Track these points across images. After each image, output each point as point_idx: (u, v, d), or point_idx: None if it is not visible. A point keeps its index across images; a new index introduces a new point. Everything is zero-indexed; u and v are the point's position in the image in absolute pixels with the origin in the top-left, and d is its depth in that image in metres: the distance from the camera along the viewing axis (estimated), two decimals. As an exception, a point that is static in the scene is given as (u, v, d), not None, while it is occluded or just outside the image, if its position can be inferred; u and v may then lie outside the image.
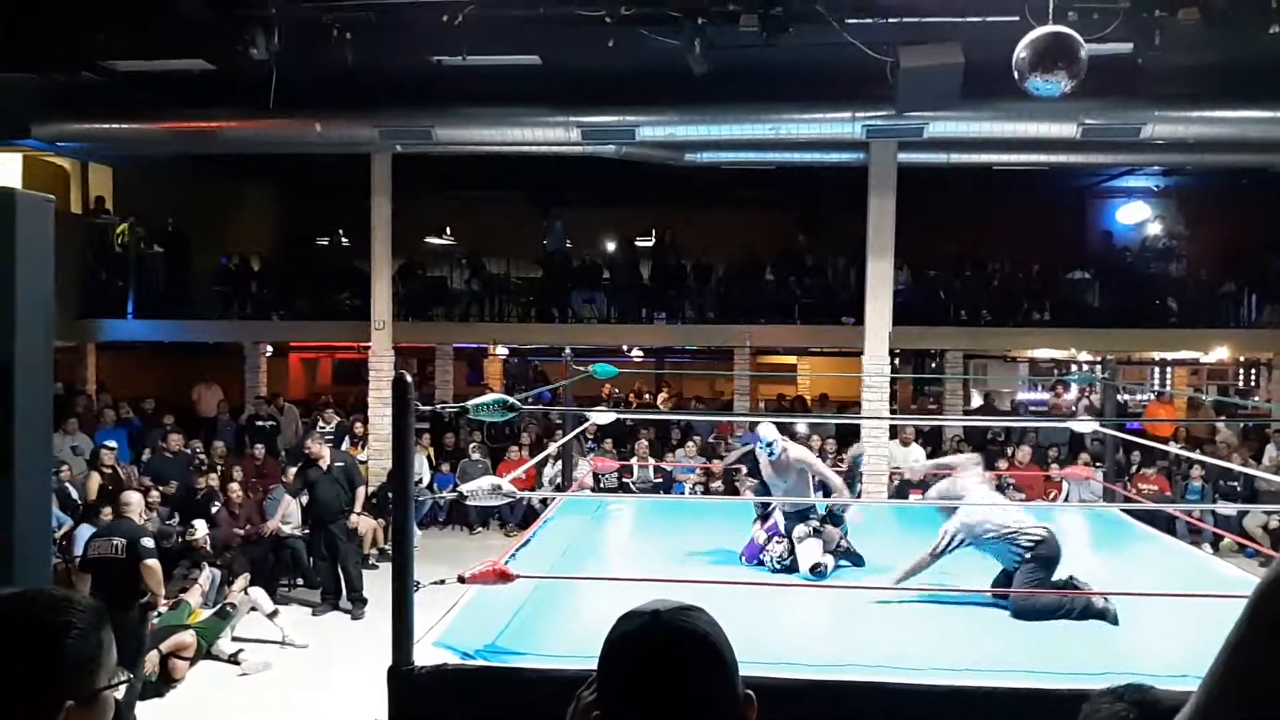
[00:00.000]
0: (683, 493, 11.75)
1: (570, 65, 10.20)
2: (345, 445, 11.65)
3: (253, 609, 7.72)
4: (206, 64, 10.30)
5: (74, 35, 9.76)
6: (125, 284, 14.18)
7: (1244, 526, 10.35)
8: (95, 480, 9.85)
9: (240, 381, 15.07)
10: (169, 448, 11.18)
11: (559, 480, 10.39)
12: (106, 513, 7.25)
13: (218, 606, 7.63)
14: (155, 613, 7.14)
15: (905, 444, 12.17)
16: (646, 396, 17.00)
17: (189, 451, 11.36)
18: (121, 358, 15.63)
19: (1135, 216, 16.75)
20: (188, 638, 7.03)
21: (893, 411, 12.16)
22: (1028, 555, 5.04)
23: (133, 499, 6.43)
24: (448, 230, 17.28)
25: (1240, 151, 11.33)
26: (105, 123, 11.32)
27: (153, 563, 5.97)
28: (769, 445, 6.07)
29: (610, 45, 8.86)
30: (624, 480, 11.78)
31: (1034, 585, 4.97)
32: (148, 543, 6.04)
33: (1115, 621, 4.82)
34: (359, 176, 12.57)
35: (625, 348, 16.60)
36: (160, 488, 9.87)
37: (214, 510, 9.37)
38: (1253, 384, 17.76)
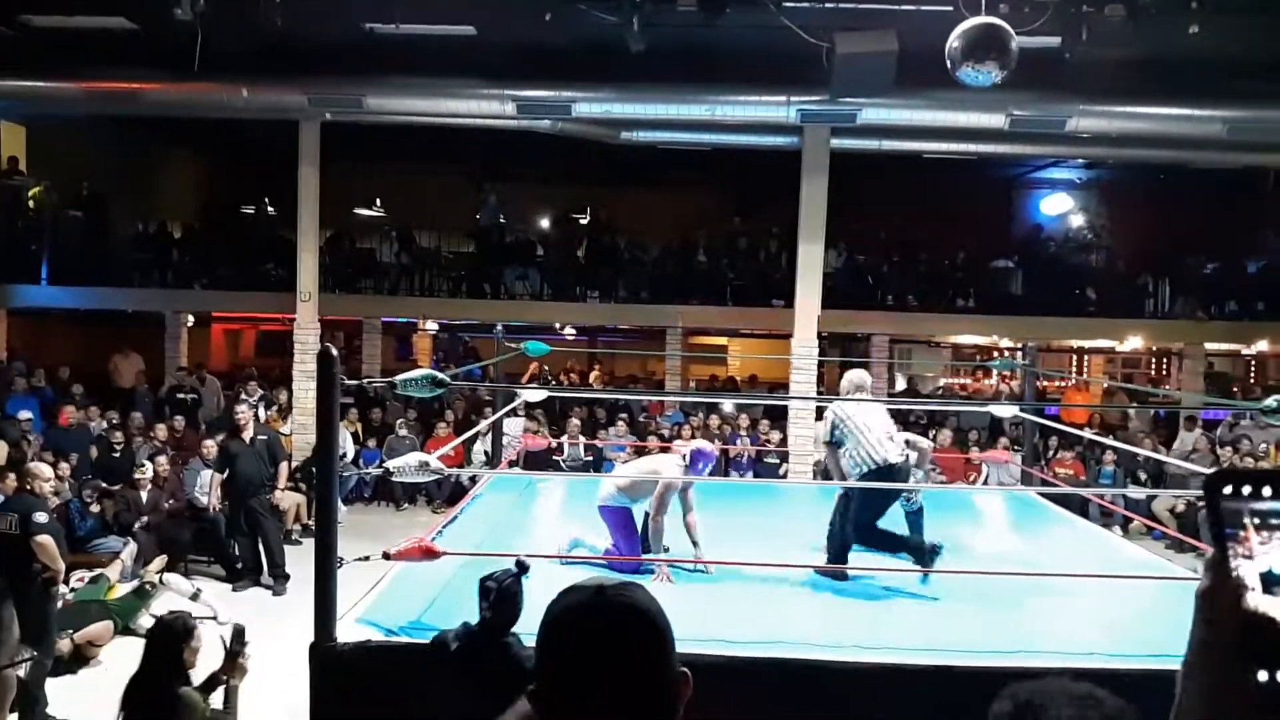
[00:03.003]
0: (612, 471, 11.76)
1: (506, 38, 10.08)
2: (264, 414, 11.38)
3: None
4: (128, 23, 9.95)
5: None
6: (39, 248, 13.68)
7: (1152, 510, 10.73)
8: (2, 449, 9.52)
9: (160, 352, 14.67)
10: (67, 419, 10.84)
11: (488, 457, 10.34)
12: (11, 483, 7.01)
13: (135, 584, 7.44)
14: (68, 589, 6.94)
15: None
16: (574, 377, 16.96)
17: (88, 424, 11.06)
18: (35, 325, 15.10)
19: (1058, 208, 17.18)
20: (102, 630, 6.85)
21: (820, 393, 12.31)
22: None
23: (40, 471, 6.22)
24: (378, 202, 16.99)
25: (1160, 147, 11.66)
26: (19, 80, 10.91)
27: (44, 539, 5.78)
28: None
29: (547, 19, 8.78)
30: (554, 458, 11.76)
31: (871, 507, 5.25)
32: (40, 518, 5.86)
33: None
34: (287, 144, 12.27)
35: (558, 326, 16.54)
36: (62, 461, 9.57)
37: (139, 477, 9.10)
38: (1164, 373, 18.38)
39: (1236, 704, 0.78)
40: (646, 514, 5.69)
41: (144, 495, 8.95)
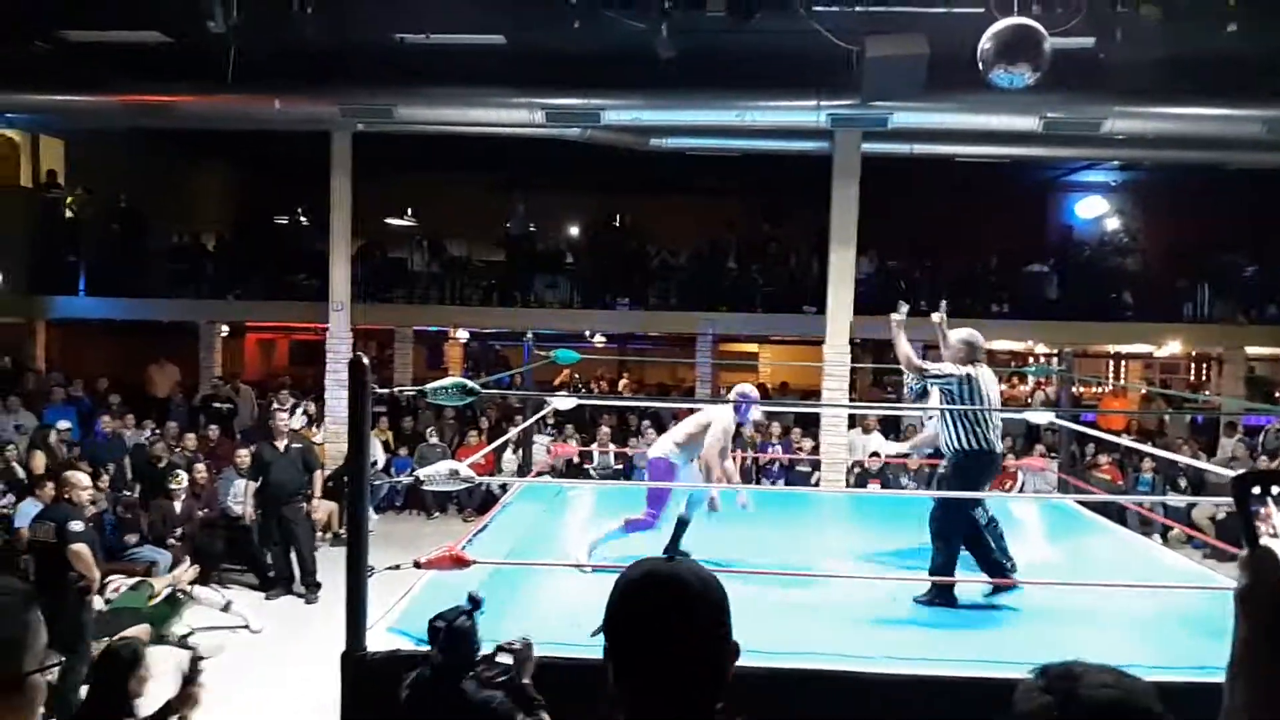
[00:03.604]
0: (643, 479, 11.73)
1: (535, 46, 10.10)
2: (298, 423, 11.46)
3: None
4: (163, 36, 10.07)
5: (24, 3, 9.50)
6: (77, 260, 13.90)
7: (1192, 518, 10.54)
8: (40, 459, 9.63)
9: (195, 362, 14.83)
10: (103, 429, 10.95)
11: (519, 465, 10.35)
12: (50, 491, 7.09)
13: (168, 593, 7.50)
14: (103, 599, 7.00)
15: (866, 432, 12.26)
16: (604, 385, 16.97)
17: (124, 433, 11.17)
18: (73, 335, 15.33)
19: (1093, 211, 16.96)
20: (139, 634, 6.90)
21: (852, 400, 12.22)
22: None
23: (78, 480, 6.29)
24: (409, 211, 17.10)
25: (1196, 148, 11.48)
26: (57, 94, 11.05)
27: (80, 547, 5.85)
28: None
29: (576, 26, 8.78)
30: (584, 465, 11.75)
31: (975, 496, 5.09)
32: (75, 526, 5.93)
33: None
34: (319, 155, 12.37)
35: (587, 333, 16.56)
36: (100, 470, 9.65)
37: (175, 487, 9.17)
38: (1204, 378, 18.09)
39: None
40: (681, 519, 5.67)
41: (178, 505, 9.02)
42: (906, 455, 10.28)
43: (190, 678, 3.76)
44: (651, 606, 1.33)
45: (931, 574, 5.01)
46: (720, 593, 1.36)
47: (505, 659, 3.13)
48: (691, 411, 6.06)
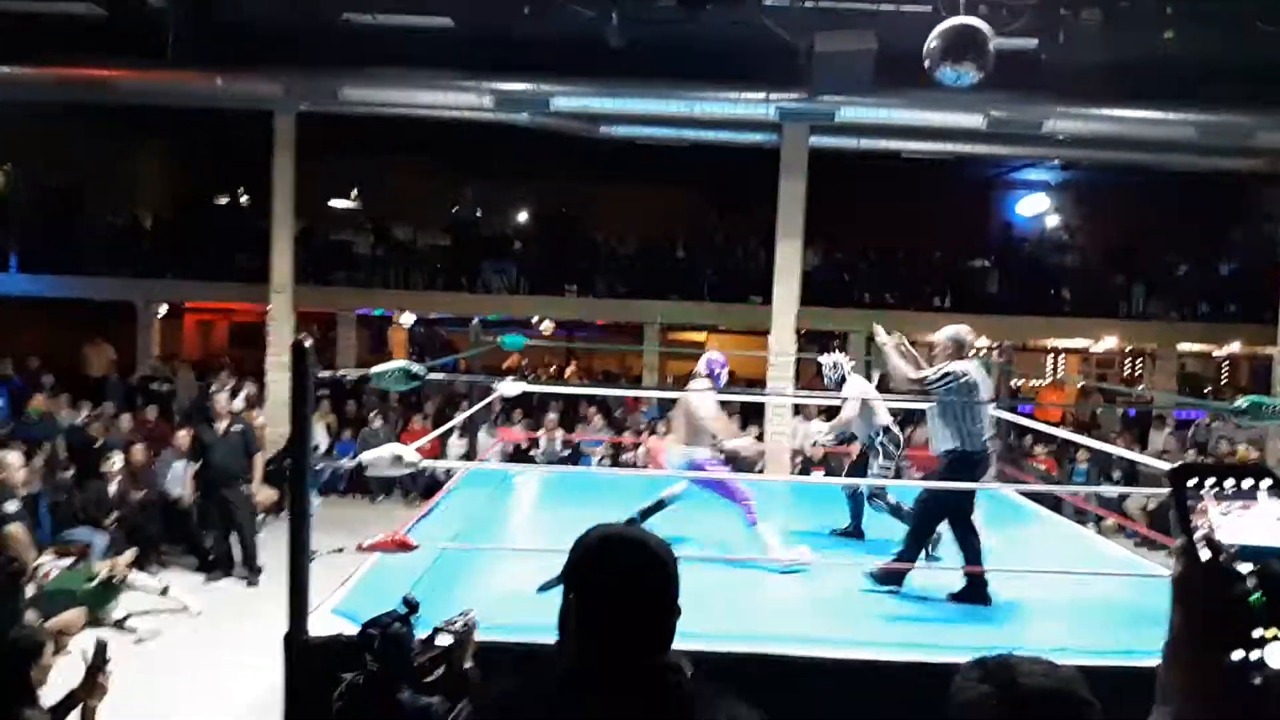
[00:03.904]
0: (590, 465, 11.75)
1: (484, 30, 10.04)
2: (238, 405, 11.28)
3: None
4: (98, 8, 9.81)
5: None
6: (8, 236, 13.50)
7: (1124, 508, 10.83)
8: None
9: (132, 342, 14.50)
10: (37, 409, 10.69)
11: (464, 450, 10.29)
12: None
13: (106, 576, 7.35)
14: (35, 582, 6.84)
15: (808, 420, 12.39)
16: (551, 371, 16.94)
17: (58, 414, 10.91)
18: (4, 314, 14.87)
19: (1034, 208, 17.30)
20: (74, 617, 6.76)
21: (797, 388, 12.34)
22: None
23: (11, 461, 6.14)
24: (353, 194, 16.86)
25: (1134, 149, 11.76)
26: (-11, 66, 10.72)
27: (15, 528, 5.72)
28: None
29: (526, 12, 8.75)
30: (530, 452, 11.73)
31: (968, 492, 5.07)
32: (9, 508, 5.79)
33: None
34: (262, 134, 12.13)
35: (534, 320, 16.51)
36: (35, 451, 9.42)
37: (109, 468, 8.95)
38: (1138, 373, 18.56)
39: (1213, 683, 0.80)
40: (663, 500, 5.71)
41: (113, 487, 8.82)
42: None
43: (97, 665, 3.60)
44: (617, 567, 1.45)
45: (894, 560, 5.08)
46: (674, 559, 1.48)
47: (445, 640, 2.92)
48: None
